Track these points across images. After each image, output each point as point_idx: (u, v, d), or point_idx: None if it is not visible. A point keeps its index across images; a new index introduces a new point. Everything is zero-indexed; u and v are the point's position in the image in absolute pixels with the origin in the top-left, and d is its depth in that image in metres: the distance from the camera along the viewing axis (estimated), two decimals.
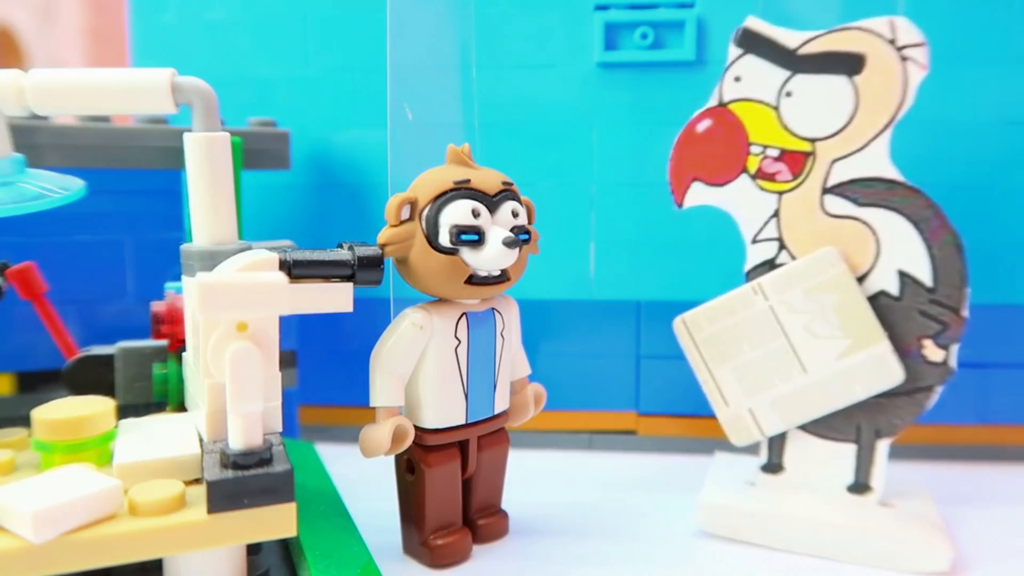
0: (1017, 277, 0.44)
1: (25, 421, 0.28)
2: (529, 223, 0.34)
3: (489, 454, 0.35)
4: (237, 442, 0.25)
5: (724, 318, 0.36)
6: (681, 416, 0.48)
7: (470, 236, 0.31)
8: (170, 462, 0.27)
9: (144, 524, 0.24)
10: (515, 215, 0.33)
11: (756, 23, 0.35)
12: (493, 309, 0.34)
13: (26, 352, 0.41)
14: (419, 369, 0.33)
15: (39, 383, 0.42)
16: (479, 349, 0.33)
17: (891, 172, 0.35)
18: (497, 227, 0.32)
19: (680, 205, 0.37)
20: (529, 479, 0.42)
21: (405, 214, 0.32)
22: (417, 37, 0.40)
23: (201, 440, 0.28)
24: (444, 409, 0.33)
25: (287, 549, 0.32)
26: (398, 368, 0.32)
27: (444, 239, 0.31)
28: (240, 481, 0.25)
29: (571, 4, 0.45)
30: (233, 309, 0.25)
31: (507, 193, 0.33)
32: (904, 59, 0.34)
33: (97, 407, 0.28)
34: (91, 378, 0.34)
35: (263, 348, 0.26)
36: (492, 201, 0.32)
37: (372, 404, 0.32)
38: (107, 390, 0.33)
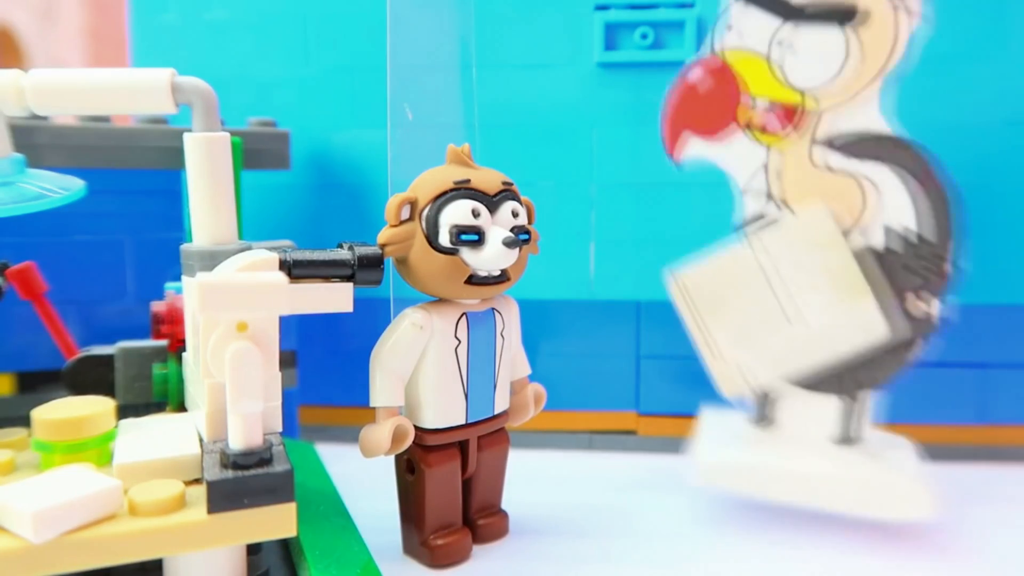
0: (1017, 277, 0.44)
1: (25, 421, 0.28)
2: (529, 223, 0.34)
3: (489, 454, 0.35)
4: (237, 442, 0.25)
5: (717, 275, 0.37)
6: (681, 416, 0.48)
7: (470, 236, 0.31)
8: (170, 462, 0.27)
9: (144, 524, 0.24)
10: (515, 215, 0.33)
11: None
12: (493, 309, 0.34)
13: (26, 352, 0.41)
14: (419, 369, 0.33)
15: (39, 383, 0.42)
16: (479, 349, 0.33)
17: (881, 125, 0.35)
18: (497, 227, 0.32)
19: (675, 159, 0.37)
20: (529, 479, 0.42)
21: (405, 214, 0.32)
22: (417, 37, 0.40)
23: (201, 440, 0.28)
24: (444, 409, 0.33)
25: (287, 549, 0.32)
26: (398, 368, 0.32)
27: (444, 239, 0.31)
28: (240, 481, 0.25)
29: (571, 4, 0.45)
30: (233, 309, 0.25)
31: (507, 193, 0.33)
32: (898, 8, 0.34)
33: (97, 407, 0.28)
34: (91, 378, 0.34)
35: (263, 348, 0.26)
36: (492, 201, 0.32)
37: (372, 404, 0.32)
38: (107, 390, 0.33)
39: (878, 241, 0.35)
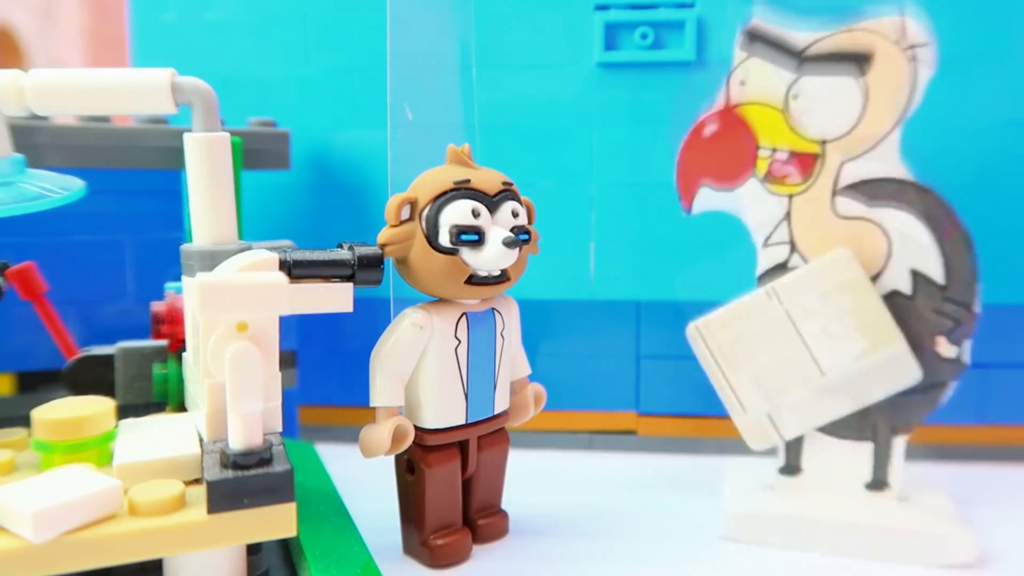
0: (1017, 277, 0.44)
1: (25, 421, 0.28)
2: (529, 223, 0.34)
3: (489, 454, 0.35)
4: (237, 442, 0.25)
5: (738, 323, 0.36)
6: (681, 416, 0.48)
7: (470, 236, 0.31)
8: (170, 462, 0.27)
9: (144, 524, 0.24)
10: (515, 215, 0.33)
11: (761, 24, 0.35)
12: (493, 309, 0.34)
13: (26, 352, 0.41)
14: (419, 369, 0.32)
15: (39, 383, 0.42)
16: (479, 349, 0.33)
17: (901, 172, 0.35)
18: (497, 227, 0.32)
19: (689, 210, 0.37)
20: (529, 479, 0.42)
21: (405, 214, 0.32)
22: (417, 37, 0.40)
23: (201, 440, 0.28)
24: (444, 409, 0.33)
25: (287, 549, 0.32)
26: (398, 368, 0.32)
27: (444, 239, 0.31)
28: (240, 481, 0.25)
29: (571, 4, 0.45)
30: (233, 309, 0.25)
31: (507, 193, 0.33)
32: (912, 58, 0.34)
33: (97, 407, 0.28)
34: (91, 378, 0.34)
35: (263, 348, 0.25)
36: (492, 201, 0.32)
37: (372, 404, 0.32)
38: (107, 390, 0.33)
39: (905, 285, 0.35)
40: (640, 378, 0.48)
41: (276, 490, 0.25)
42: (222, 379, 0.25)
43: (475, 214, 0.31)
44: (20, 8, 1.31)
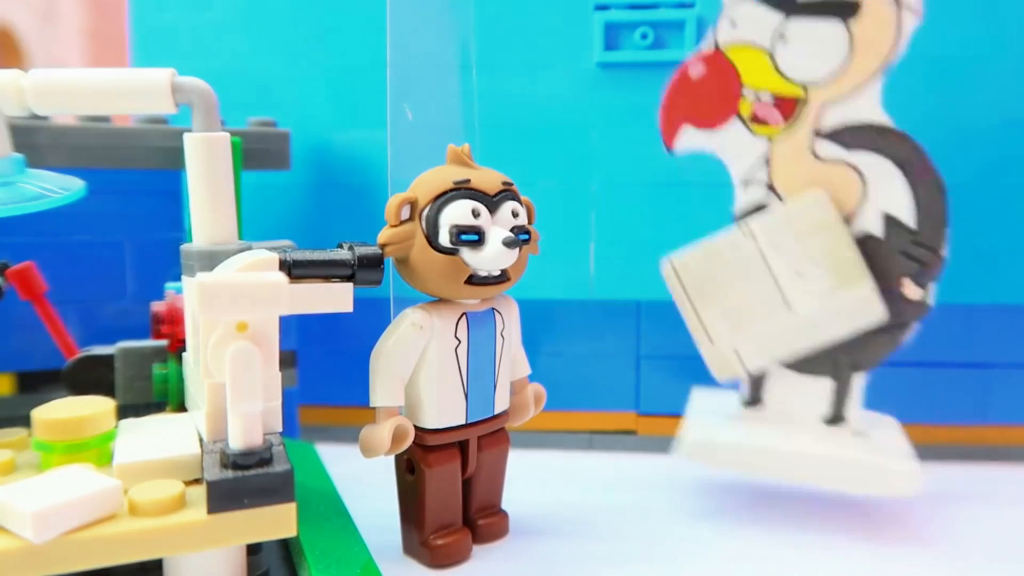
0: (1017, 277, 0.44)
1: (25, 421, 0.28)
2: (529, 223, 0.34)
3: (489, 454, 0.35)
4: (237, 442, 0.25)
5: (713, 260, 0.37)
6: (681, 416, 0.48)
7: (470, 236, 0.31)
8: (170, 462, 0.27)
9: (144, 524, 0.24)
10: (515, 215, 0.33)
11: None
12: (493, 309, 0.34)
13: (26, 352, 0.41)
14: (419, 369, 0.33)
15: (39, 383, 0.42)
16: (479, 349, 0.33)
17: (881, 117, 0.36)
18: (497, 227, 0.32)
19: (670, 148, 0.38)
20: (529, 479, 0.42)
21: (405, 214, 0.32)
22: (417, 37, 0.40)
23: (201, 440, 0.28)
24: (444, 409, 0.33)
25: (287, 549, 0.32)
26: (398, 368, 0.32)
27: (444, 239, 0.31)
28: (240, 481, 0.25)
29: (571, 4, 0.45)
30: (233, 309, 0.25)
31: (507, 193, 0.33)
32: (898, 5, 0.34)
33: (97, 407, 0.28)
34: (91, 378, 0.34)
35: (263, 348, 0.26)
36: (492, 201, 0.32)
37: (372, 404, 0.32)
38: (107, 390, 0.33)
39: (876, 228, 0.36)
40: (640, 378, 0.48)
41: (276, 490, 0.25)
42: (222, 379, 0.25)
43: (475, 214, 0.31)
44: (20, 8, 1.31)
